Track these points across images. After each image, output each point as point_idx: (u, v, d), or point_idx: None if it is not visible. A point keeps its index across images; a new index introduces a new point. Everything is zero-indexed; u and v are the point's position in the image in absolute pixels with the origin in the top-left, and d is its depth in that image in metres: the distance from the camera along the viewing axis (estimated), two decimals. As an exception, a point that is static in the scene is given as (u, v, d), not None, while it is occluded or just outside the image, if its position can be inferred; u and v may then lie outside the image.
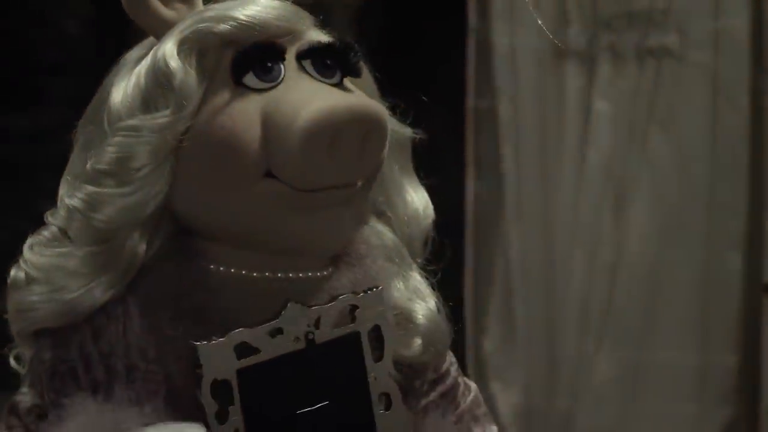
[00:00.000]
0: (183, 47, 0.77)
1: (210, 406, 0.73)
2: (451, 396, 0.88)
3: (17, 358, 0.84)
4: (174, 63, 0.76)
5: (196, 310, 0.76)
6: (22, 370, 0.83)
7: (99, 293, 0.76)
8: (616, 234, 2.21)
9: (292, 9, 0.81)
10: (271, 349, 0.75)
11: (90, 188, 0.77)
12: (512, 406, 2.29)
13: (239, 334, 0.74)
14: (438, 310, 0.85)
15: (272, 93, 0.77)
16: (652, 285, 2.19)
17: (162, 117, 0.76)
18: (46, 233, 0.81)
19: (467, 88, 2.29)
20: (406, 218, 0.88)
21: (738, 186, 2.13)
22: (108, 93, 0.80)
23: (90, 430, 0.74)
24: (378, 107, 0.77)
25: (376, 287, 0.80)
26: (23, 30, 2.72)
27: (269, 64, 0.77)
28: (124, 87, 0.78)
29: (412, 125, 0.89)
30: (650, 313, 2.19)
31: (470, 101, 2.29)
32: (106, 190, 0.77)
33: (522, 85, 2.25)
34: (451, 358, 0.89)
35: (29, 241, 0.81)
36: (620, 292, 2.20)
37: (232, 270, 0.78)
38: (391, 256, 0.85)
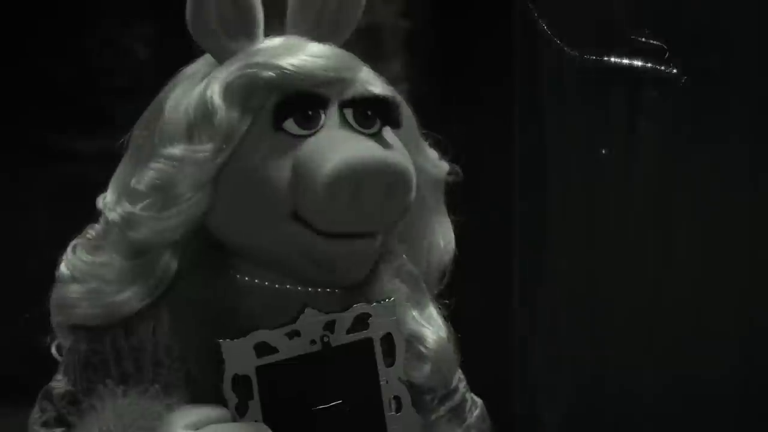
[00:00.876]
0: (230, 88, 0.81)
1: (231, 399, 0.80)
2: (459, 411, 0.93)
3: (58, 348, 0.90)
4: (219, 102, 0.80)
5: (221, 316, 0.82)
6: (60, 359, 0.89)
7: (134, 302, 0.83)
8: (662, 253, 2.23)
9: (340, 57, 0.84)
10: (288, 350, 0.81)
11: (128, 207, 0.83)
12: (558, 426, 2.33)
13: (259, 334, 0.81)
14: (448, 339, 0.91)
15: (309, 140, 0.81)
16: (698, 303, 2.21)
17: (203, 152, 0.80)
18: (90, 233, 0.88)
19: (514, 111, 2.35)
20: (427, 251, 0.93)
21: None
22: (161, 106, 0.85)
23: (117, 416, 0.80)
24: (403, 162, 0.81)
25: (389, 298, 0.86)
26: (90, 53, 2.83)
27: (310, 113, 0.82)
28: (174, 110, 0.83)
29: (455, 157, 0.94)
30: (697, 331, 2.21)
31: (517, 124, 2.35)
32: (143, 213, 0.82)
33: (568, 106, 2.30)
34: (459, 374, 0.94)
35: (74, 241, 0.88)
36: (666, 310, 2.23)
37: (257, 281, 0.84)
38: (408, 282, 0.90)
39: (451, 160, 0.94)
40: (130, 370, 0.83)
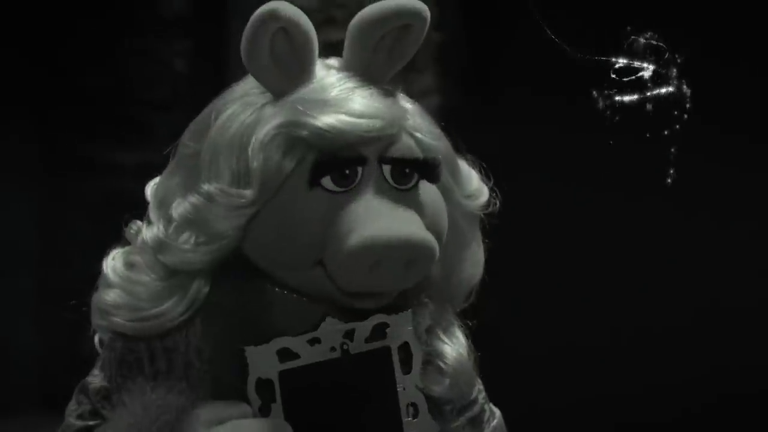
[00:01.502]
0: (273, 141, 0.83)
1: (254, 401, 0.84)
2: (477, 421, 0.96)
3: (100, 342, 0.94)
4: (263, 153, 0.83)
5: (249, 322, 0.87)
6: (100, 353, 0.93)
7: (167, 320, 0.87)
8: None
9: (384, 114, 0.85)
10: (309, 356, 0.85)
11: (162, 230, 0.87)
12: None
13: (282, 340, 0.85)
14: (468, 356, 0.94)
15: (344, 196, 0.84)
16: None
17: (241, 197, 0.84)
18: (132, 233, 0.92)
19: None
20: (456, 272, 0.96)
21: None
22: (210, 120, 0.88)
23: (145, 409, 0.85)
24: (426, 239, 0.83)
25: (405, 309, 0.90)
26: (127, 67, 2.88)
27: (347, 171, 0.84)
28: (221, 139, 0.86)
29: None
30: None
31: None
32: (174, 243, 0.86)
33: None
34: (479, 386, 0.97)
35: (113, 252, 0.92)
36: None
37: (285, 292, 0.88)
38: (435, 298, 0.94)
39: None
40: (162, 369, 0.87)
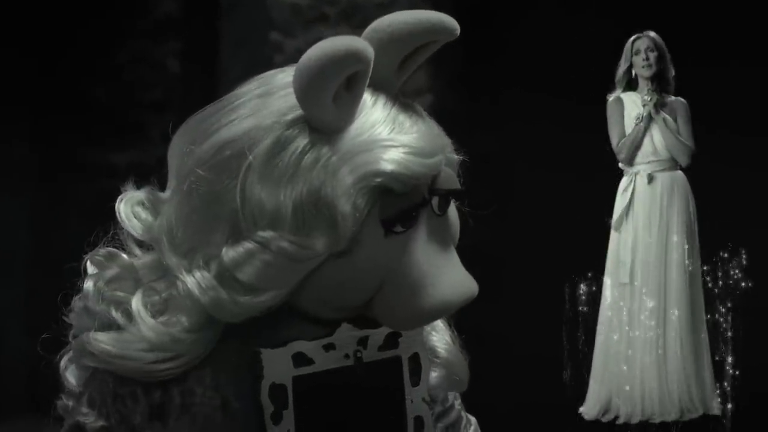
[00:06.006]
0: (361, 192, 0.78)
1: (267, 407, 0.82)
2: (455, 428, 0.96)
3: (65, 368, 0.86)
4: (348, 207, 0.78)
5: (257, 335, 0.83)
6: (68, 381, 0.86)
7: (185, 365, 0.82)
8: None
9: (439, 147, 0.83)
10: (323, 362, 0.84)
11: (209, 279, 0.80)
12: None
13: (297, 344, 0.83)
14: (453, 341, 0.94)
15: (407, 237, 0.82)
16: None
17: (314, 248, 0.78)
18: (108, 272, 0.85)
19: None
20: None
21: None
22: (240, 149, 0.79)
23: None
24: (476, 290, 0.85)
25: None
26: (121, 69, 2.87)
27: (414, 214, 0.82)
28: (270, 183, 0.78)
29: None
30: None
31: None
32: (228, 296, 0.79)
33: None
34: (455, 393, 0.97)
35: (92, 283, 0.85)
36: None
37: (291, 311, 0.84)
38: None
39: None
40: (157, 401, 0.82)
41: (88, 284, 0.84)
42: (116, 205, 0.86)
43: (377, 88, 0.83)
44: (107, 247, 0.87)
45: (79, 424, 0.84)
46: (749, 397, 3.05)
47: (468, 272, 0.85)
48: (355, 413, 0.86)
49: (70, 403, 0.84)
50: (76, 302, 0.85)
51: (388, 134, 0.80)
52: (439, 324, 0.94)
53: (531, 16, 3.37)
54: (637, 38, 3.19)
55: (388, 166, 0.78)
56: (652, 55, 3.16)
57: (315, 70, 0.76)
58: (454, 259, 0.85)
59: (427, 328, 0.92)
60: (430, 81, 3.13)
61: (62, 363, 0.86)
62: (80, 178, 2.85)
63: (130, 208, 0.87)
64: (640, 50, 3.17)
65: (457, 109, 3.05)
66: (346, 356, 0.85)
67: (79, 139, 2.84)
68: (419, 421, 0.88)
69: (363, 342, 0.86)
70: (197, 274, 0.80)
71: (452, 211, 0.87)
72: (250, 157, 0.79)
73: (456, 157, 0.87)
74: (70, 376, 0.85)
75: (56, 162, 2.88)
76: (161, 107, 2.79)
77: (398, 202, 0.81)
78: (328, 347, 0.85)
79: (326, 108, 0.78)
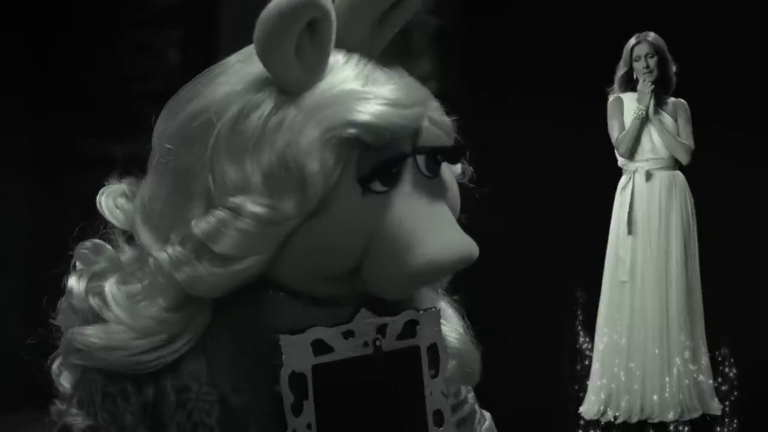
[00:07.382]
0: (328, 144, 0.75)
1: (287, 397, 0.78)
2: (468, 423, 0.93)
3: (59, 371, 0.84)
4: (318, 161, 0.74)
5: (256, 330, 0.79)
6: (62, 386, 0.84)
7: (171, 356, 0.79)
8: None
9: (418, 99, 0.79)
10: (343, 350, 0.80)
11: (180, 251, 0.77)
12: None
13: (317, 331, 0.79)
14: (464, 331, 0.90)
15: (388, 196, 0.78)
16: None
17: (286, 211, 0.75)
18: (94, 266, 0.81)
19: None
20: None
21: None
22: (207, 118, 0.77)
23: None
24: (475, 249, 0.79)
25: (434, 307, 0.86)
26: (119, 59, 2.85)
27: (394, 170, 0.78)
28: (240, 148, 0.76)
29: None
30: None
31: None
32: (199, 266, 0.76)
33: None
34: (468, 388, 0.94)
35: (75, 279, 0.82)
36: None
37: (283, 293, 0.80)
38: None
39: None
40: (150, 399, 0.79)
41: (72, 281, 0.82)
42: (98, 198, 0.84)
43: (352, 50, 0.80)
44: (94, 239, 0.84)
45: (66, 425, 0.81)
46: (749, 397, 3.05)
47: (467, 235, 0.80)
48: (376, 406, 0.83)
49: (63, 407, 0.82)
50: (62, 302, 0.83)
51: (361, 87, 0.77)
52: (450, 313, 0.90)
53: (530, 16, 3.35)
54: (637, 44, 3.17)
55: (360, 116, 0.75)
56: (652, 61, 3.16)
57: (271, 19, 0.74)
58: (448, 219, 0.79)
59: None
60: (434, 67, 3.12)
61: (54, 368, 0.85)
62: (78, 171, 2.83)
63: (113, 200, 0.84)
64: (640, 57, 3.17)
65: (456, 109, 3.03)
66: (365, 344, 0.82)
67: (77, 130, 2.82)
68: (439, 415, 0.85)
69: (382, 330, 0.83)
70: (170, 250, 0.77)
71: (450, 179, 0.83)
72: (218, 126, 0.77)
73: (446, 119, 0.82)
74: (64, 381, 0.84)
75: (54, 154, 2.85)
76: (160, 98, 2.77)
77: (376, 158, 0.77)
78: (348, 334, 0.81)
79: (289, 63, 0.75)
